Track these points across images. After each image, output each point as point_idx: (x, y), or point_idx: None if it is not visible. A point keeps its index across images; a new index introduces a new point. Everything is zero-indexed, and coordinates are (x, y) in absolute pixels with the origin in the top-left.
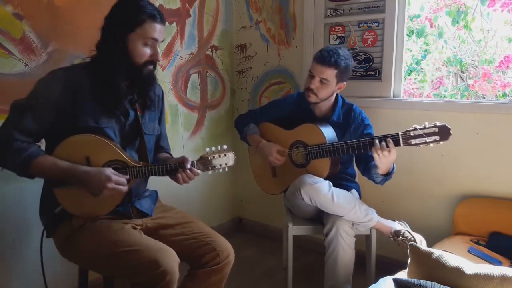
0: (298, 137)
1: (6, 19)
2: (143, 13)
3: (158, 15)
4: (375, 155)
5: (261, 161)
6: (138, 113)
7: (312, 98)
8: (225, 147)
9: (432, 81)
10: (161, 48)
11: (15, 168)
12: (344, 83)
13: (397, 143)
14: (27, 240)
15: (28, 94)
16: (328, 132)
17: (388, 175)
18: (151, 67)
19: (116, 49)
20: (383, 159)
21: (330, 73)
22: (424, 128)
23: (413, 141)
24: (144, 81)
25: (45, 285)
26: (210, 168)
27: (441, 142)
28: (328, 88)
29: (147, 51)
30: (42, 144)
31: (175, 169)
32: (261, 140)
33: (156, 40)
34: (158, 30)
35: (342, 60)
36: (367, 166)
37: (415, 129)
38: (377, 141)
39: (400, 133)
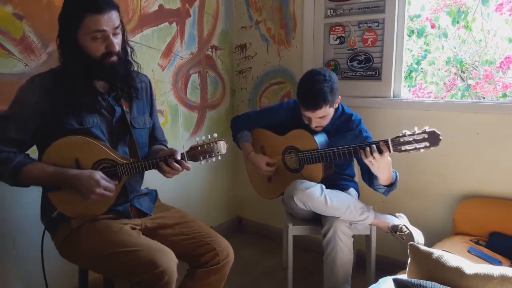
0: (291, 143)
1: (6, 19)
2: (82, 7)
3: (102, 3)
4: (367, 162)
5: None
6: (125, 108)
7: (319, 129)
8: (215, 135)
9: (444, 83)
10: (161, 48)
11: (5, 179)
12: (339, 97)
13: (387, 150)
14: (27, 240)
15: (10, 104)
16: (320, 137)
17: (391, 186)
18: (113, 58)
19: (71, 48)
20: (376, 164)
21: (324, 110)
22: (414, 134)
23: (403, 147)
24: (111, 73)
25: (46, 285)
26: (201, 158)
27: (431, 148)
28: (329, 116)
29: (99, 44)
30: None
31: (165, 162)
32: (250, 152)
33: (104, 31)
34: (103, 20)
35: (327, 92)
36: (371, 178)
37: (405, 135)
38: (368, 149)
39: (389, 139)
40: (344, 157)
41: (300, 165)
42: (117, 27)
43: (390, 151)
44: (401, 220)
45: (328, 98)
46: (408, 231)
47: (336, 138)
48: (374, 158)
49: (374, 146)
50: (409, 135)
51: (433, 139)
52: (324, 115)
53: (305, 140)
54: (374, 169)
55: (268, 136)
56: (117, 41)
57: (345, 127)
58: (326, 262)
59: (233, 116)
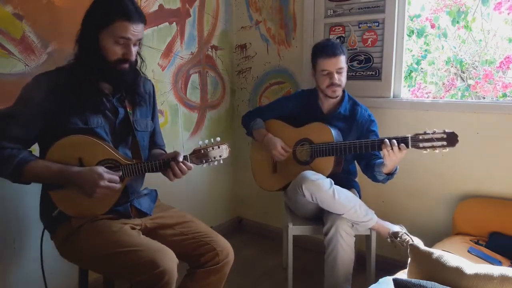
0: (305, 135)
1: (6, 19)
2: (115, 11)
3: (135, 14)
4: (384, 151)
5: (262, 157)
6: (128, 110)
7: (338, 91)
8: (218, 139)
9: (443, 83)
10: (161, 48)
11: (8, 175)
12: (347, 64)
13: (405, 145)
14: (27, 240)
15: (15, 101)
16: (335, 132)
17: (391, 174)
18: (125, 65)
19: (90, 45)
20: (393, 156)
21: (342, 60)
22: (434, 133)
23: (421, 144)
24: (120, 78)
25: (45, 285)
26: (204, 161)
27: (447, 149)
28: (345, 73)
29: (118, 49)
30: (36, 150)
31: (168, 164)
32: (267, 134)
33: (128, 39)
34: (131, 29)
35: (342, 46)
36: (370, 164)
37: (425, 133)
38: (387, 140)
39: (410, 135)
40: (360, 151)
41: (311, 157)
42: (138, 39)
43: (408, 147)
44: (402, 229)
45: (343, 49)
46: (408, 238)
47: (348, 127)
48: (393, 151)
49: (394, 141)
50: (430, 133)
51: (451, 139)
52: (342, 66)
53: (322, 133)
54: (387, 160)
55: (282, 127)
56: (134, 51)
57: (354, 110)
58: (327, 261)
59: (233, 117)
